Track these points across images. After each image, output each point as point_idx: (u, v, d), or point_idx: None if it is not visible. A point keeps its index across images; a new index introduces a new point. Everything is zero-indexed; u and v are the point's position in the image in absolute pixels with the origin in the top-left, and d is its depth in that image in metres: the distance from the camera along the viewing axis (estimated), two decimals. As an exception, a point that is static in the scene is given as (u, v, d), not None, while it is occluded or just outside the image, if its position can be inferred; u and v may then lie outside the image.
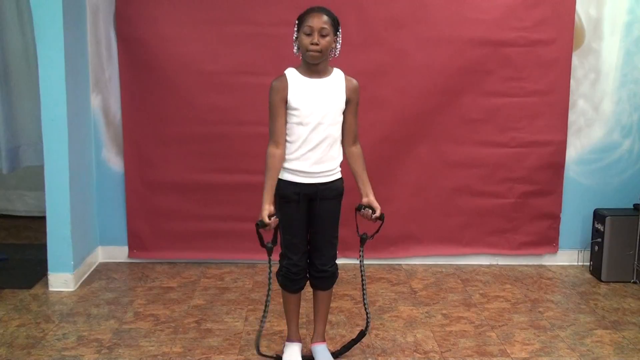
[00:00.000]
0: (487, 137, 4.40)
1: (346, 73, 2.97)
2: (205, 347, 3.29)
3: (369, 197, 2.99)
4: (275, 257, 3.04)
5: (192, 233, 4.44)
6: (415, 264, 4.53)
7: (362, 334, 3.22)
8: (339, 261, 3.12)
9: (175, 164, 4.36)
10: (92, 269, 4.35)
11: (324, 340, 3.16)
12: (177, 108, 4.28)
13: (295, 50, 2.90)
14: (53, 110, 3.85)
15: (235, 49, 4.23)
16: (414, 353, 3.26)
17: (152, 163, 4.36)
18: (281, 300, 3.17)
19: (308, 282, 3.09)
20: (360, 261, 3.09)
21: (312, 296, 3.18)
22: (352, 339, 3.24)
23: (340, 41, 2.89)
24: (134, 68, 4.25)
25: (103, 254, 4.52)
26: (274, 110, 2.89)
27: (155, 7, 4.19)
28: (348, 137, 2.98)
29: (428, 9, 4.23)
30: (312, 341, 3.17)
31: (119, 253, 4.50)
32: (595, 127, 4.47)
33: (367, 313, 3.17)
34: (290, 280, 3.03)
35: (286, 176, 2.93)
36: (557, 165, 4.45)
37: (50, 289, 3.98)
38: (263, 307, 3.15)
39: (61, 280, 3.98)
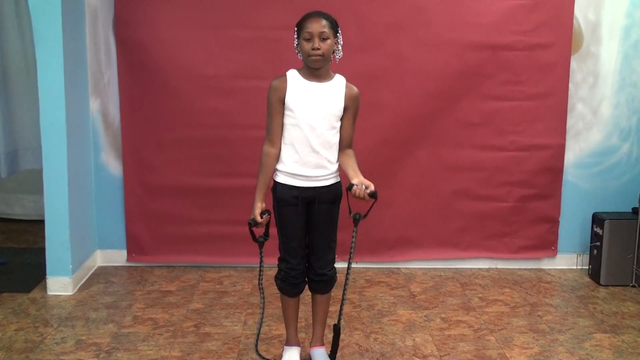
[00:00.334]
0: (486, 140, 4.40)
1: (345, 77, 2.96)
2: (204, 351, 3.28)
3: (359, 177, 2.87)
4: (273, 259, 3.04)
5: (191, 237, 4.44)
6: (414, 268, 4.53)
7: (336, 329, 3.06)
8: (337, 265, 3.12)
9: (174, 168, 4.35)
10: (90, 273, 4.34)
11: (322, 344, 3.15)
12: (176, 112, 4.28)
13: (300, 57, 2.90)
14: (52, 114, 3.85)
15: (235, 52, 4.24)
16: (413, 357, 3.26)
17: (151, 167, 4.36)
18: (280, 304, 3.17)
19: (307, 286, 3.09)
20: (352, 242, 2.96)
21: (310, 300, 3.18)
22: (333, 338, 3.10)
23: (342, 42, 2.89)
24: (133, 72, 4.25)
25: (102, 258, 4.51)
26: (271, 109, 2.91)
27: (154, 10, 4.19)
28: (342, 142, 2.97)
29: (427, 13, 4.23)
30: (311, 345, 3.17)
31: (118, 257, 4.49)
32: (594, 130, 4.47)
33: (342, 299, 3.02)
34: (288, 284, 3.03)
35: (284, 180, 2.93)
36: (556, 169, 4.45)
37: (49, 292, 3.97)
38: (260, 306, 3.14)
39: (60, 284, 3.98)
